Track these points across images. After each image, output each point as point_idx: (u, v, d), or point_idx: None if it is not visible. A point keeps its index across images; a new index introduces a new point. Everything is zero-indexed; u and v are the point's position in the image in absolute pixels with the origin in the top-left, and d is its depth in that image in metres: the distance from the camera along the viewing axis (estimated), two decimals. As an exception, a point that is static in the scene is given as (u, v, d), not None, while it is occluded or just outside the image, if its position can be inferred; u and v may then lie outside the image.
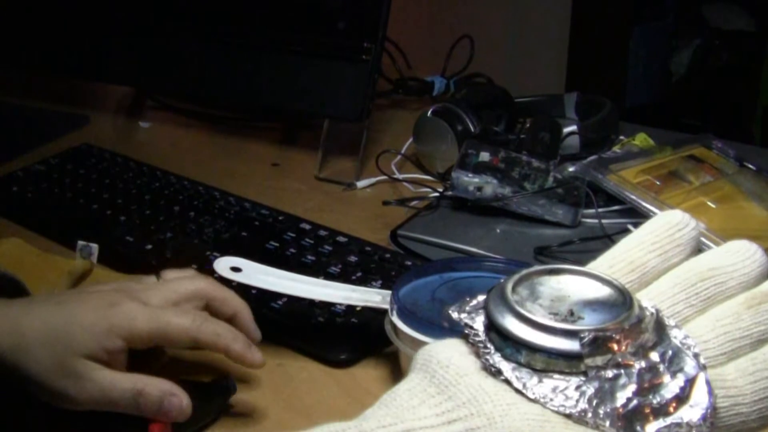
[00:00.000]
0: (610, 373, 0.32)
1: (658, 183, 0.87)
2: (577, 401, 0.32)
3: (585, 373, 0.32)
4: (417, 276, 0.69)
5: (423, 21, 2.25)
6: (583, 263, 0.37)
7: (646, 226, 0.38)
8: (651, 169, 0.90)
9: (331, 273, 0.80)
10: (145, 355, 0.62)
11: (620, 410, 0.32)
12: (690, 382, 0.33)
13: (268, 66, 1.13)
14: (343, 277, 0.78)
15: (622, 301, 0.34)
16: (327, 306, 0.74)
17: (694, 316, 0.36)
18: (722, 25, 2.69)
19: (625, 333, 0.33)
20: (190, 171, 1.04)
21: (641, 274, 0.37)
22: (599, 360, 0.32)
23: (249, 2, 1.14)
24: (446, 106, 1.03)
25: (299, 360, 0.71)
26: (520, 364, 0.33)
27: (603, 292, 0.35)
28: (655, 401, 0.32)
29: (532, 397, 0.32)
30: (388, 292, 0.67)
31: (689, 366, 0.33)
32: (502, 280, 0.36)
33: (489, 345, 0.34)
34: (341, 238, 0.86)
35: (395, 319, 0.64)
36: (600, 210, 0.86)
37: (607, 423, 0.31)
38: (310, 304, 0.74)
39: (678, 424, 0.32)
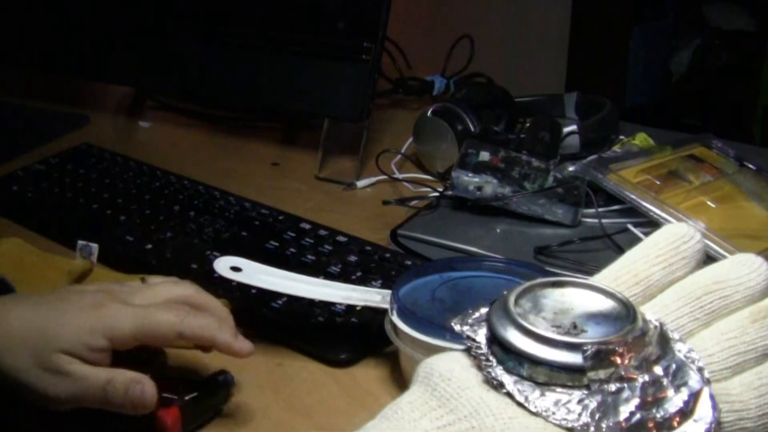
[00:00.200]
0: (613, 387, 0.32)
1: (658, 183, 0.87)
2: (580, 415, 0.31)
3: (588, 387, 0.32)
4: (417, 276, 0.69)
5: (423, 21, 2.26)
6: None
7: (651, 239, 0.38)
8: (651, 169, 0.90)
9: (331, 273, 0.80)
10: (142, 356, 0.63)
11: (623, 424, 0.31)
12: (694, 396, 0.32)
13: (268, 66, 1.13)
14: (343, 277, 0.78)
15: (625, 314, 0.34)
16: (327, 306, 0.74)
17: (699, 330, 0.36)
18: (722, 25, 2.69)
19: (628, 346, 0.32)
20: (190, 171, 1.04)
21: (645, 287, 0.37)
22: (602, 373, 0.32)
23: (249, 2, 1.14)
24: (446, 105, 1.03)
25: (299, 360, 0.71)
26: (522, 377, 0.33)
27: (606, 305, 0.35)
28: (658, 415, 0.32)
29: (534, 410, 0.32)
30: (388, 292, 0.67)
31: (693, 380, 0.33)
32: (505, 293, 0.35)
33: (491, 358, 0.33)
34: (341, 238, 0.86)
35: (395, 318, 0.64)
36: (600, 210, 0.86)
37: None
38: (310, 304, 0.74)
39: None
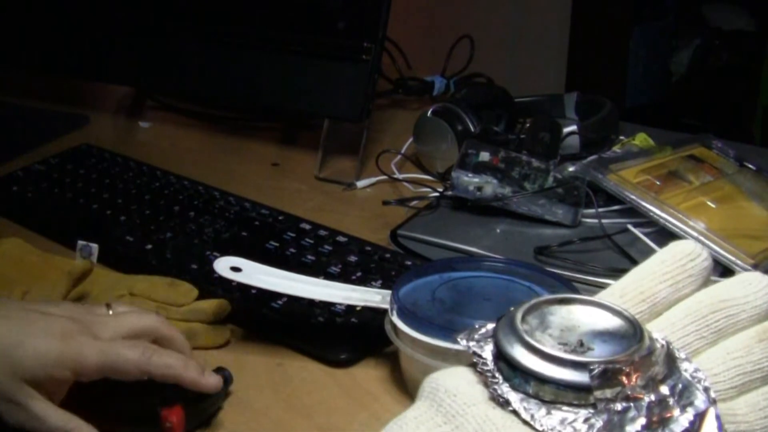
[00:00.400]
0: (619, 406, 0.32)
1: (658, 183, 0.87)
2: None
3: (594, 406, 0.32)
4: (417, 276, 0.69)
5: (423, 21, 2.25)
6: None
7: (658, 256, 0.38)
8: (651, 169, 0.90)
9: (331, 273, 0.80)
10: None
11: None
12: (700, 416, 0.32)
13: (268, 66, 1.13)
14: (343, 277, 0.78)
15: (632, 332, 0.34)
16: (327, 306, 0.74)
17: (705, 348, 0.36)
18: (722, 25, 2.69)
19: (635, 365, 0.32)
20: (190, 171, 1.04)
21: (652, 304, 0.37)
22: (608, 392, 0.32)
23: (249, 2, 1.14)
24: (446, 106, 1.03)
25: (299, 360, 0.71)
26: (528, 395, 0.33)
27: (613, 323, 0.35)
28: None
29: (540, 429, 0.32)
30: (388, 292, 0.67)
31: (699, 400, 0.33)
32: (511, 309, 0.35)
33: (497, 375, 0.33)
34: (341, 238, 0.86)
35: (395, 319, 0.64)
36: (600, 210, 0.86)
37: None
38: (310, 304, 0.74)
39: None
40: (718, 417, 0.32)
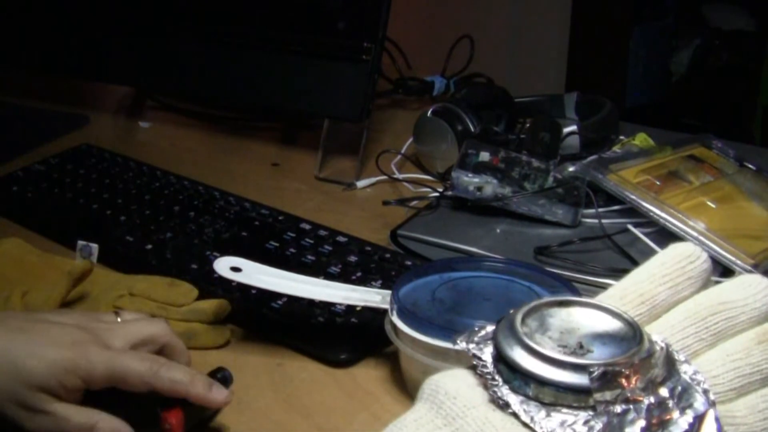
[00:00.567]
0: (618, 408, 0.32)
1: (658, 183, 0.87)
2: None
3: (594, 408, 0.32)
4: (417, 276, 0.69)
5: (423, 21, 2.25)
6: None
7: (657, 258, 0.38)
8: (651, 169, 0.90)
9: (331, 273, 0.80)
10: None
11: None
12: (699, 418, 0.32)
13: (268, 66, 1.13)
14: (343, 277, 0.78)
15: (632, 335, 0.34)
16: (327, 306, 0.74)
17: (704, 351, 0.36)
18: (722, 25, 2.70)
19: (634, 368, 0.32)
20: (190, 171, 1.04)
21: (651, 306, 0.37)
22: (608, 395, 0.32)
23: (249, 2, 1.14)
24: (446, 106, 1.03)
25: (299, 360, 0.71)
26: (528, 397, 0.33)
27: (613, 325, 0.35)
28: None
29: (539, 431, 0.32)
30: (388, 292, 0.67)
31: (699, 402, 0.33)
32: (511, 311, 0.35)
33: (497, 377, 0.33)
34: (341, 238, 0.86)
35: (395, 319, 0.64)
36: (600, 210, 0.86)
37: None
38: (310, 304, 0.74)
39: None
40: (717, 419, 0.33)
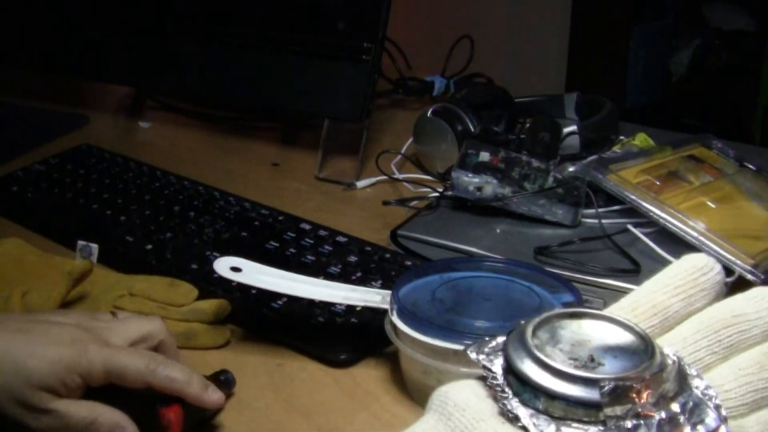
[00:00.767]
0: (629, 424, 0.32)
1: (658, 183, 0.87)
2: None
3: (604, 423, 0.32)
4: (417, 276, 0.69)
5: (423, 21, 2.25)
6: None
7: (671, 269, 0.38)
8: (651, 169, 0.90)
9: (331, 273, 0.80)
10: None
11: None
12: None
13: (268, 66, 1.13)
14: (343, 277, 0.78)
15: (643, 348, 0.34)
16: (327, 306, 0.74)
17: (716, 364, 0.36)
18: (722, 25, 2.70)
19: (646, 383, 0.32)
20: (190, 171, 1.04)
21: (663, 318, 0.37)
22: (619, 410, 0.32)
23: (249, 2, 1.14)
24: (446, 106, 1.03)
25: (299, 360, 0.71)
26: (538, 411, 0.32)
27: (625, 338, 0.35)
28: None
29: None
30: (388, 292, 0.67)
31: (710, 418, 0.32)
32: (522, 322, 0.35)
33: (507, 389, 0.33)
34: (341, 238, 0.86)
35: (395, 319, 0.64)
36: (600, 210, 0.86)
37: None
38: (310, 304, 0.74)
39: None
40: None
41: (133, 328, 0.64)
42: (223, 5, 1.16)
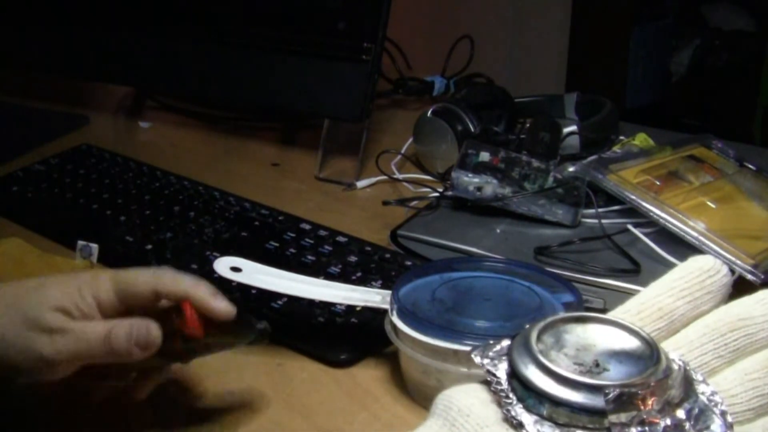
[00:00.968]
0: (634, 430, 0.32)
1: (658, 183, 0.87)
2: None
3: (608, 430, 0.32)
4: (417, 276, 0.69)
5: (423, 21, 2.25)
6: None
7: (677, 271, 0.38)
8: (651, 169, 0.90)
9: (331, 273, 0.80)
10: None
11: None
12: None
13: (268, 66, 1.13)
14: (343, 277, 0.78)
15: (649, 354, 0.34)
16: (327, 306, 0.74)
17: (723, 368, 0.35)
18: (722, 25, 2.70)
19: (651, 389, 0.32)
20: (190, 171, 1.04)
21: (669, 321, 0.37)
22: (623, 417, 0.32)
23: (249, 2, 1.14)
24: (446, 106, 1.03)
25: (299, 360, 0.71)
26: (542, 417, 0.32)
27: (630, 343, 0.35)
28: None
29: None
30: (388, 292, 0.67)
31: (716, 425, 0.32)
32: (527, 326, 0.35)
33: (511, 395, 0.33)
34: (341, 238, 0.86)
35: (395, 319, 0.64)
36: (600, 210, 0.86)
37: None
38: (310, 304, 0.74)
39: None
40: None
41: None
42: (223, 5, 1.16)
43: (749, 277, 0.74)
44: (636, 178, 0.87)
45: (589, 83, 2.25)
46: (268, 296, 0.74)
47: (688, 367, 0.34)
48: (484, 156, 0.90)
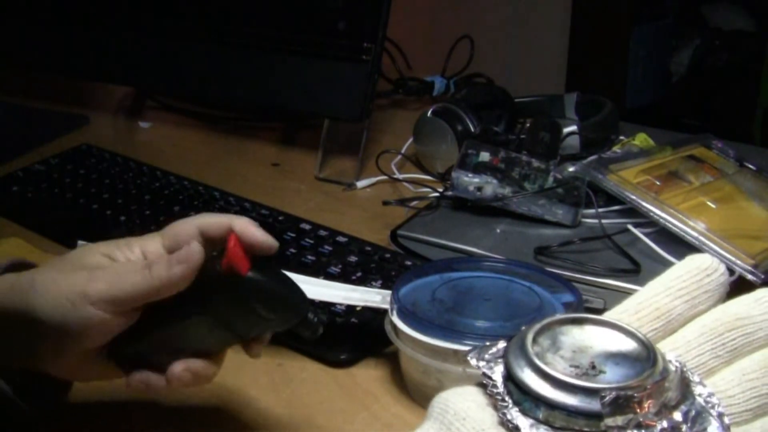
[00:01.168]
0: None
1: (658, 183, 0.87)
2: None
3: None
4: (417, 276, 0.69)
5: (423, 21, 2.25)
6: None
7: (674, 271, 0.38)
8: (651, 169, 0.90)
9: (331, 273, 0.79)
10: None
11: None
12: None
13: (268, 66, 1.13)
14: (343, 277, 0.78)
15: (645, 356, 0.33)
16: (327, 306, 0.74)
17: (720, 368, 0.35)
18: (722, 25, 2.70)
19: (647, 392, 0.32)
20: (190, 171, 1.04)
21: (667, 321, 0.36)
22: (620, 420, 0.31)
23: (249, 2, 1.14)
24: (446, 106, 1.03)
25: (299, 360, 0.71)
26: (538, 421, 0.32)
27: (627, 345, 0.34)
28: None
29: None
30: (388, 292, 0.67)
31: (713, 427, 0.32)
32: (523, 328, 0.35)
33: (507, 398, 0.33)
34: (341, 238, 0.86)
35: (395, 319, 0.64)
36: (600, 210, 0.86)
37: None
38: (310, 304, 0.74)
39: None
40: None
41: None
42: (224, 5, 1.16)
43: (749, 277, 0.74)
44: (636, 178, 0.87)
45: (589, 83, 2.25)
46: (268, 296, 0.74)
47: (684, 369, 0.34)
48: (484, 156, 0.90)
